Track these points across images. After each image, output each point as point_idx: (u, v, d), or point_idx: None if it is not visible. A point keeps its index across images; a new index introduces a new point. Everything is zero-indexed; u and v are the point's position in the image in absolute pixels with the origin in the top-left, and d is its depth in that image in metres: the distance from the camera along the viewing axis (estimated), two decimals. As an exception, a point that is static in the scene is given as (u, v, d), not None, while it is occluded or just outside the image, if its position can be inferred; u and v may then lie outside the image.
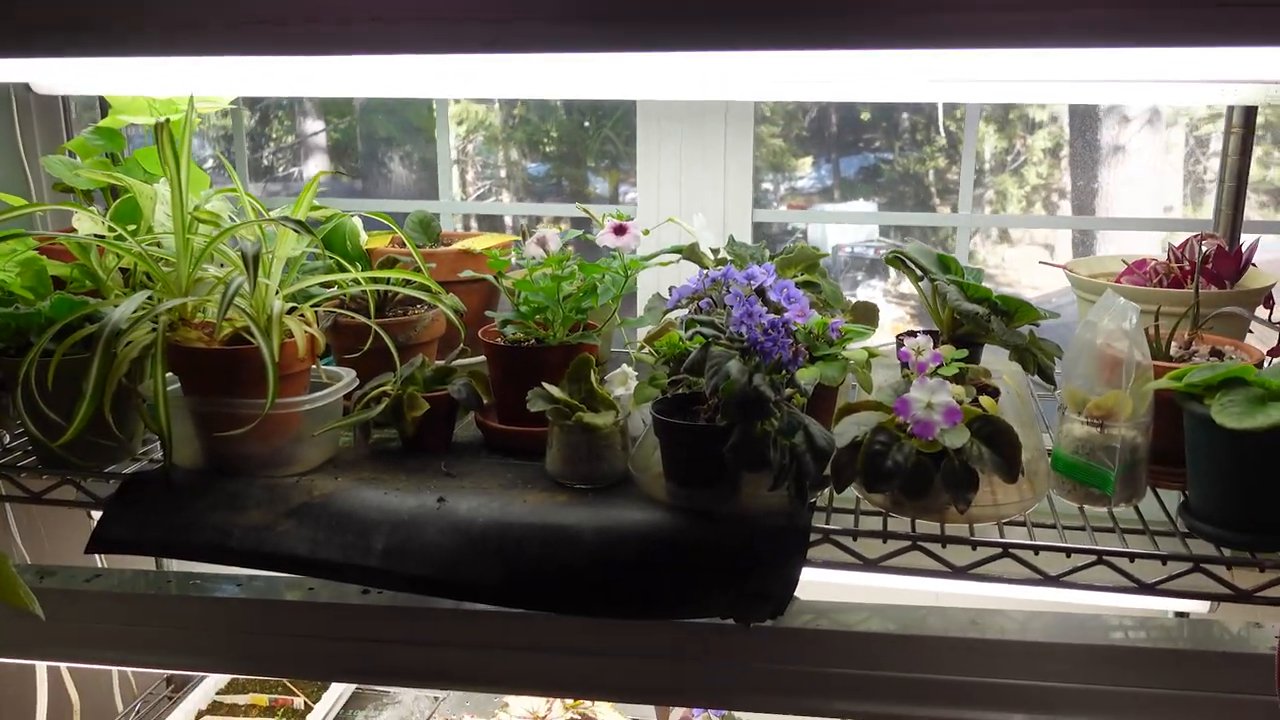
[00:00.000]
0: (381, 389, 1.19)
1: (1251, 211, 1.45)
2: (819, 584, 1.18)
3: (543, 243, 1.14)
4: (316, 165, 2.52)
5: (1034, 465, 1.06)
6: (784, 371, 1.02)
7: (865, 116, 2.13)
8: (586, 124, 2.28)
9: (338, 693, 1.79)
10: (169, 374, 1.10)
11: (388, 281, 1.26)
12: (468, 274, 1.26)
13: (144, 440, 1.22)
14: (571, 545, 1.01)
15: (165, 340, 1.06)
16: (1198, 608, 1.45)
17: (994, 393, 1.09)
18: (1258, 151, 1.39)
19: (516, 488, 1.10)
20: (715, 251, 1.39)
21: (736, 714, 1.56)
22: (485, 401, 1.24)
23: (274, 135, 2.53)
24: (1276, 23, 0.87)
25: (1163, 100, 1.89)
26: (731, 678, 1.16)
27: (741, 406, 0.96)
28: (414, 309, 1.33)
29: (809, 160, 2.15)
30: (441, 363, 1.26)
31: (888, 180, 2.11)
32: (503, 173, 2.41)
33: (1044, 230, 2.15)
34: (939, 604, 1.16)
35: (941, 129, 2.07)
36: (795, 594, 1.17)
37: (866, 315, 1.33)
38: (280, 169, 2.52)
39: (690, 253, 1.39)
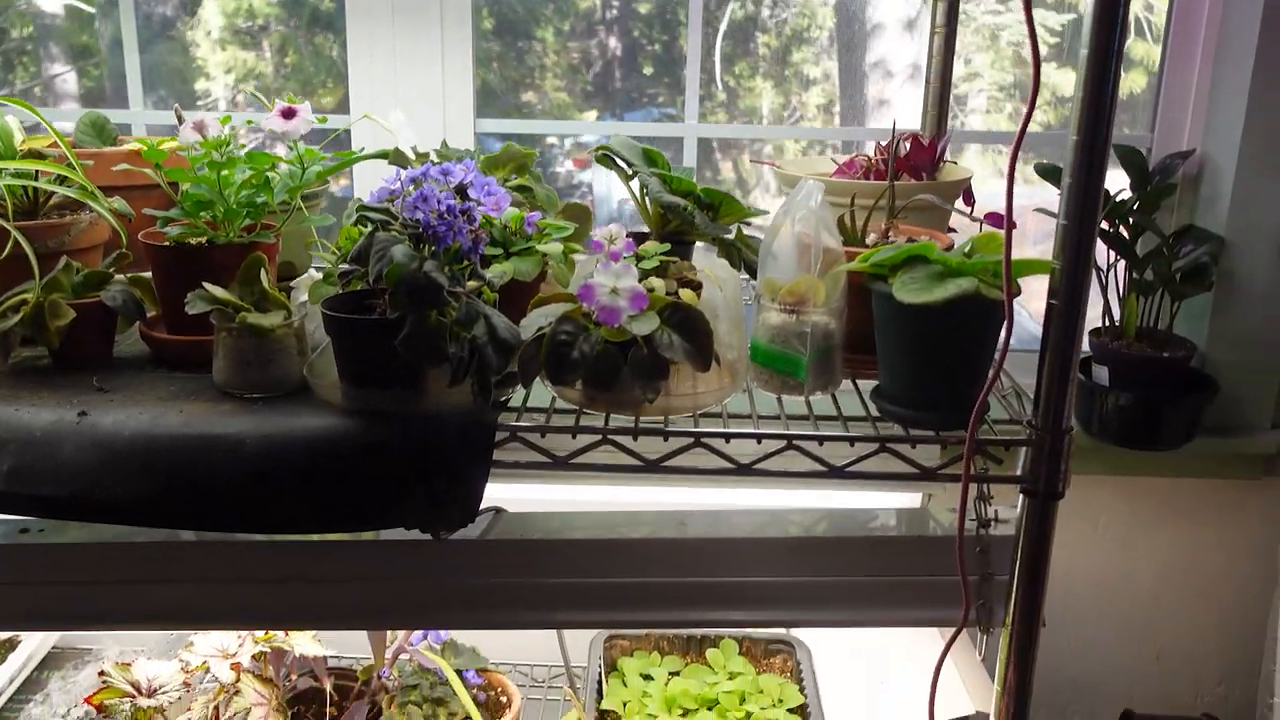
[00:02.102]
0: (21, 297, 1.06)
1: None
2: (531, 500, 1.15)
3: (200, 127, 1.04)
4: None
5: (737, 364, 1.04)
6: (466, 262, 0.96)
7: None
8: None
9: (26, 653, 1.63)
10: None
11: (34, 177, 1.12)
12: (124, 167, 1.14)
13: None
14: (231, 455, 0.93)
15: None
16: (911, 502, 1.49)
17: (695, 286, 1.07)
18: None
19: (177, 400, 1.00)
20: (426, 156, 1.31)
21: (457, 636, 1.51)
22: (152, 312, 1.13)
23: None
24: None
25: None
26: (440, 595, 1.11)
27: (411, 295, 0.90)
28: (77, 214, 1.19)
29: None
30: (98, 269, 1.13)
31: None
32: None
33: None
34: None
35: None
36: (502, 508, 1.13)
37: (577, 216, 1.28)
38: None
39: (395, 156, 1.31)
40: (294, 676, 1.49)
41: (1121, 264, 1.63)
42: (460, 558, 1.09)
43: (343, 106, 1.81)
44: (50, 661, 1.72)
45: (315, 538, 1.08)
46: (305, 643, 1.26)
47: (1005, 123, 2.05)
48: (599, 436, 0.97)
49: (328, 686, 1.49)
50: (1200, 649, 1.81)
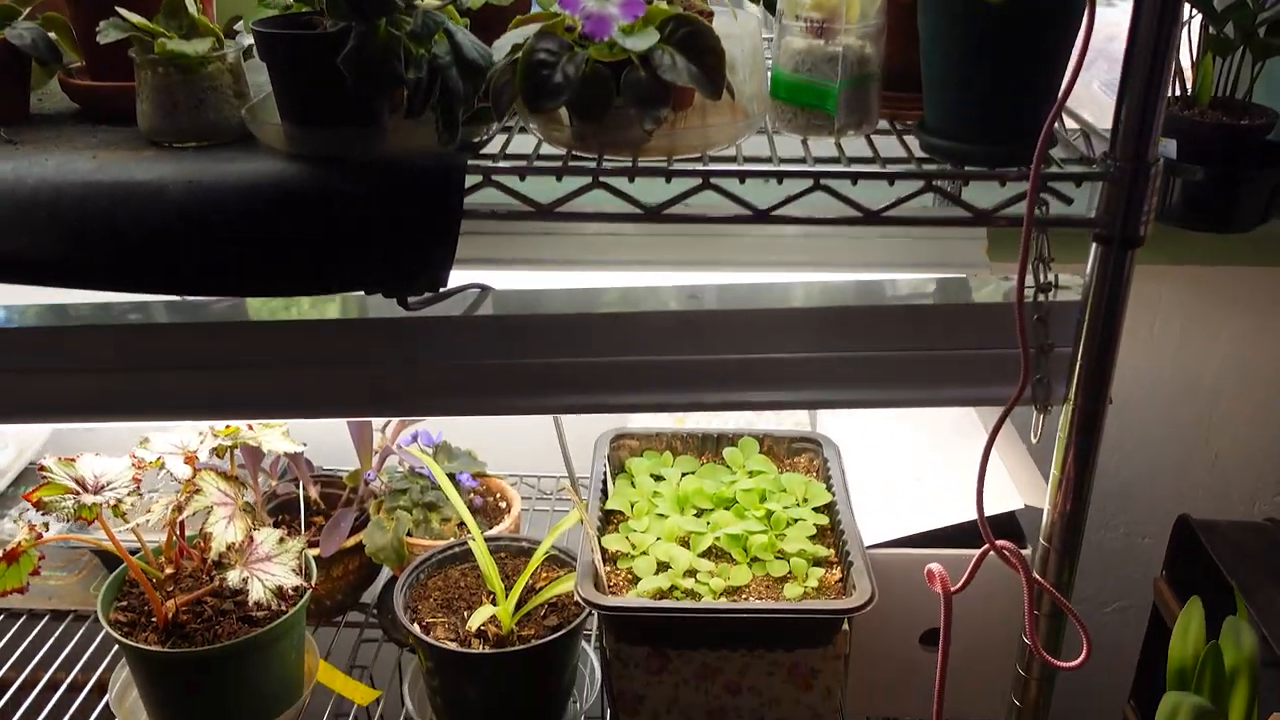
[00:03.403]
0: (-91, 34, 0.91)
1: None
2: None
3: None
4: None
5: (755, 101, 0.88)
6: (424, -32, 0.80)
7: None
8: None
9: (-2, 469, 1.54)
10: None
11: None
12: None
13: None
14: (151, 202, 0.79)
15: None
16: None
17: (707, 15, 0.90)
18: None
19: (92, 148, 0.86)
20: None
21: (452, 439, 1.40)
22: (76, 63, 0.98)
23: None
24: None
25: None
26: (422, 380, 0.99)
27: (353, -3, 0.74)
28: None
29: None
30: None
31: None
32: None
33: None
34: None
35: None
36: (489, 285, 1.00)
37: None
38: None
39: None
40: (274, 482, 1.39)
41: (1196, 21, 1.43)
42: (444, 337, 0.97)
43: None
44: (26, 478, 1.64)
45: (278, 316, 0.96)
46: (274, 439, 1.15)
47: None
48: (590, 179, 0.82)
49: (314, 493, 1.39)
50: (1260, 452, 1.69)
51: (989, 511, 1.13)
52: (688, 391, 0.99)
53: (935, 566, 0.94)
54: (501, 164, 0.83)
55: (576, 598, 1.03)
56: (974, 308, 0.96)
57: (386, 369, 0.99)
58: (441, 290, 0.91)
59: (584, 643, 1.26)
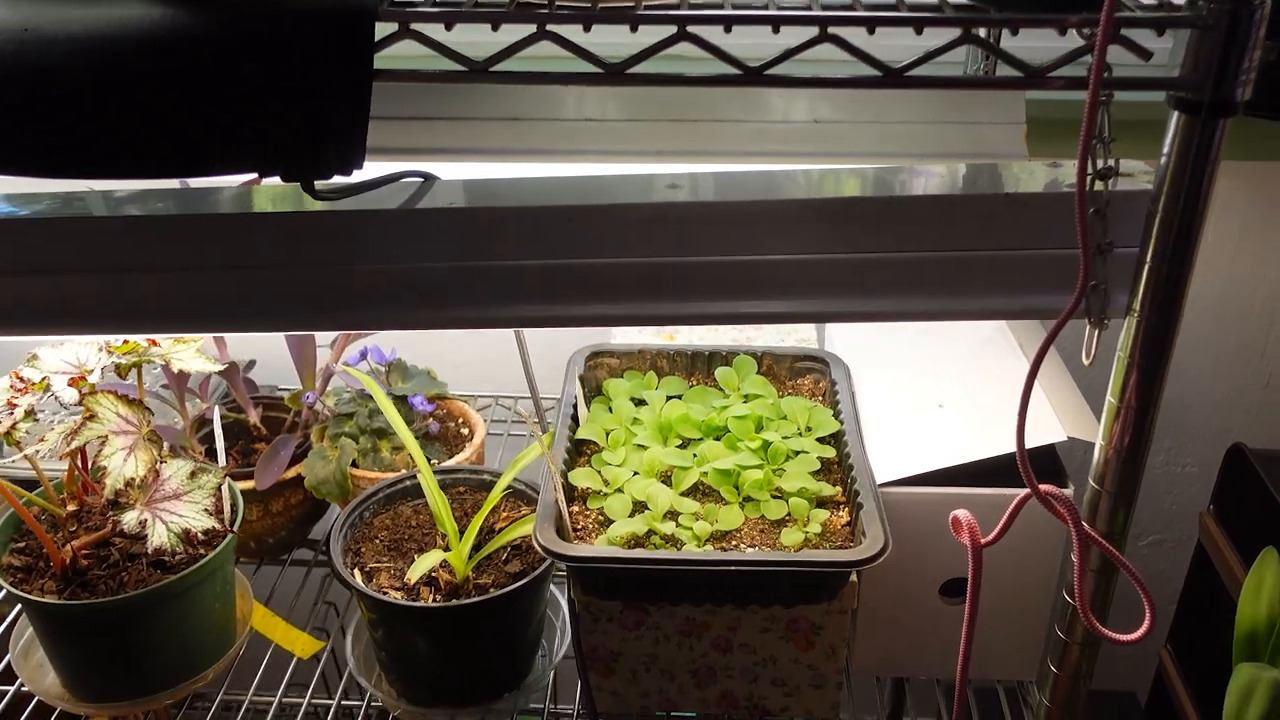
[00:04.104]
0: None
1: None
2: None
3: None
4: None
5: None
6: None
7: None
8: None
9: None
10: None
11: None
12: None
13: None
14: (-33, 55, 0.62)
15: None
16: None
17: None
18: None
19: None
20: None
21: (408, 356, 1.25)
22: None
23: None
24: None
25: None
26: (353, 286, 0.82)
27: None
28: None
29: None
30: None
31: None
32: None
33: None
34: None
35: None
36: (433, 174, 0.84)
37: None
38: None
39: None
40: (204, 404, 1.23)
41: None
42: (379, 235, 0.80)
43: None
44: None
45: (186, 210, 0.80)
46: (187, 356, 0.99)
47: None
48: (535, 27, 0.65)
49: (254, 417, 1.24)
50: (1319, 374, 1.52)
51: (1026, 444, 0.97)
52: (667, 301, 0.82)
53: (962, 514, 0.79)
54: (424, 8, 0.65)
55: (535, 545, 0.88)
56: (1014, 199, 0.79)
57: (312, 274, 0.82)
58: (366, 180, 0.75)
59: (555, 589, 1.11)
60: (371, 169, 0.79)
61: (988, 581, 0.82)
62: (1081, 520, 0.74)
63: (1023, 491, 0.75)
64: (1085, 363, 0.79)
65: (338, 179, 0.73)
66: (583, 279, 0.81)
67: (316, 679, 1.09)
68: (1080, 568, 0.75)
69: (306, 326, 0.89)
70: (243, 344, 1.41)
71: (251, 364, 1.45)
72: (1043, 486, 0.73)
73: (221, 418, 1.22)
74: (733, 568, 0.87)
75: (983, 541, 0.78)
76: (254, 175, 0.70)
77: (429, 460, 1.18)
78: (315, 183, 0.73)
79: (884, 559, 0.87)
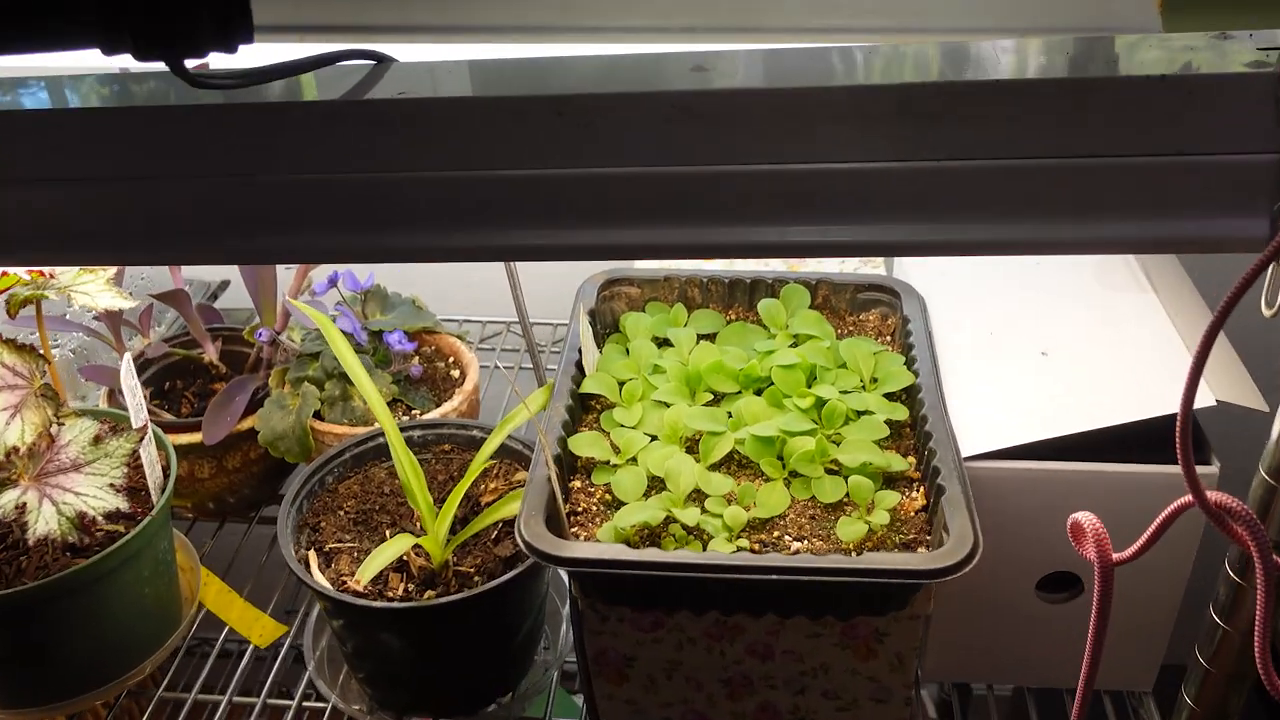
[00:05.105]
0: None
1: None
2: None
3: None
4: None
5: None
6: None
7: None
8: None
9: None
10: None
11: None
12: None
13: None
14: None
15: None
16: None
17: None
18: None
19: None
20: None
21: (389, 282, 1.05)
22: None
23: None
24: None
25: None
26: (282, 205, 0.63)
27: None
28: None
29: None
30: None
31: None
32: None
33: None
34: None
35: None
36: (387, 55, 0.63)
37: None
38: None
39: None
40: (146, 340, 1.05)
41: None
42: (309, 136, 0.60)
43: None
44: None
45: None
46: (94, 290, 0.80)
47: None
48: None
49: (211, 353, 1.06)
50: None
51: (1159, 410, 0.76)
52: (689, 226, 0.61)
53: (1086, 519, 0.58)
54: None
55: (518, 540, 0.69)
56: (1174, 84, 0.56)
57: (222, 186, 0.62)
58: (287, 63, 0.56)
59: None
60: (304, 50, 0.59)
61: (1093, 576, 0.62)
62: (1270, 547, 0.52)
63: (1178, 504, 0.54)
64: (1266, 313, 0.58)
65: (224, 61, 0.53)
66: (575, 196, 0.61)
67: (277, 670, 0.92)
68: (1265, 610, 0.54)
69: (197, 258, 0.70)
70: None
71: (224, 286, 1.26)
72: (1214, 496, 0.52)
73: (168, 355, 1.04)
74: (773, 576, 0.67)
75: (1115, 559, 0.57)
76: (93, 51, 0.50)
77: (411, 410, 0.99)
78: (187, 63, 0.53)
79: (973, 565, 0.67)
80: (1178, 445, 0.50)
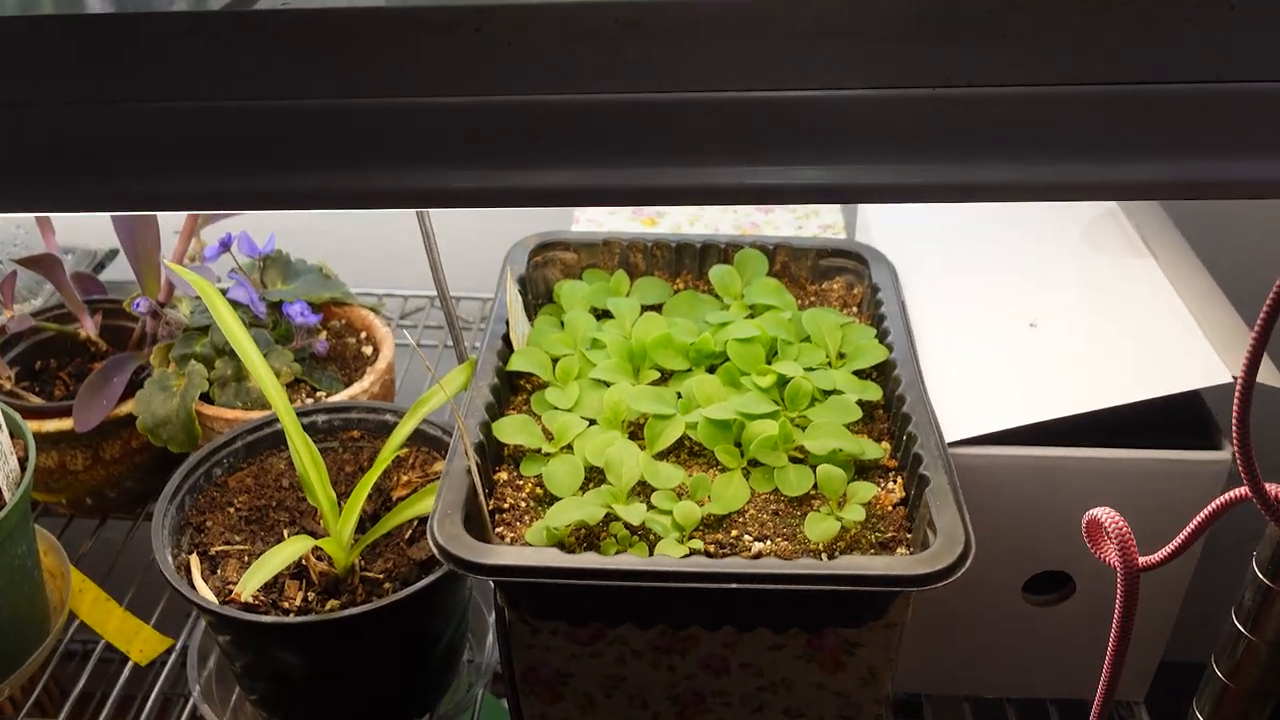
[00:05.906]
0: None
1: None
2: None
3: None
4: None
5: None
6: None
7: None
8: None
9: None
10: None
11: None
12: None
13: None
14: None
15: None
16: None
17: None
18: None
19: None
20: None
21: (289, 245, 0.94)
22: None
23: None
24: None
25: None
26: (131, 136, 0.51)
27: None
28: None
29: None
30: None
31: None
32: None
33: None
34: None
35: None
36: None
37: None
38: None
39: None
40: (9, 313, 0.93)
41: None
42: (167, 55, 0.48)
43: None
44: None
45: None
46: None
47: None
48: None
49: (90, 328, 0.93)
50: None
51: (1165, 387, 0.67)
52: (637, 165, 0.51)
53: (1105, 515, 0.49)
54: None
55: (430, 546, 0.59)
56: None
57: (64, 115, 0.51)
58: None
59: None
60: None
61: (1092, 571, 0.54)
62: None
63: (1232, 493, 0.45)
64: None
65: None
66: (497, 129, 0.50)
67: (160, 686, 0.81)
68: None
69: (32, 205, 0.59)
70: (103, 225, 1.10)
71: (112, 255, 1.14)
72: (1272, 489, 0.43)
73: (38, 330, 0.92)
74: (732, 585, 0.58)
75: (1142, 563, 0.48)
76: None
77: (317, 392, 0.88)
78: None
79: (965, 569, 0.58)
80: (1234, 431, 0.41)
